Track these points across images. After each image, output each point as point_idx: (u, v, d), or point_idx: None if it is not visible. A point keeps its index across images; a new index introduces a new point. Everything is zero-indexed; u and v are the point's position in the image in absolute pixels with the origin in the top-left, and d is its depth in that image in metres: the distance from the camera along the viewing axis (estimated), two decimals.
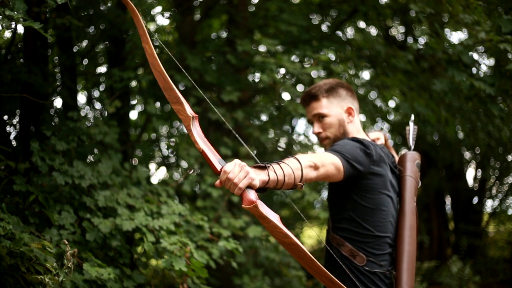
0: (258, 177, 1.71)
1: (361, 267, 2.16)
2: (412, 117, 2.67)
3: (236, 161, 1.69)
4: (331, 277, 1.74)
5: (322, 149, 2.47)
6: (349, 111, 2.37)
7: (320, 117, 2.36)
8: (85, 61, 5.06)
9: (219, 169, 1.69)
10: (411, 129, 2.59)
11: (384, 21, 6.04)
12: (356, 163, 2.12)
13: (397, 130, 7.78)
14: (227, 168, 1.66)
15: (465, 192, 8.42)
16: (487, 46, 3.77)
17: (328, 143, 2.37)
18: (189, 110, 1.78)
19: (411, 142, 2.56)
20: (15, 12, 2.19)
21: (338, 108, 2.35)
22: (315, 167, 1.93)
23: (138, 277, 3.20)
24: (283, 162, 1.85)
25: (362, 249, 2.18)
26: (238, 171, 1.65)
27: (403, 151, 8.36)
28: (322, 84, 2.38)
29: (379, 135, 2.51)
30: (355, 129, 2.38)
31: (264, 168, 1.76)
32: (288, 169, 1.81)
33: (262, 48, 5.12)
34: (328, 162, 2.01)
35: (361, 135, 2.39)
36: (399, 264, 2.20)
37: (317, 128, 2.38)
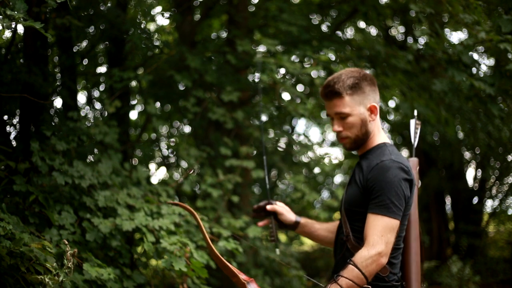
0: None
1: (383, 278, 2.13)
2: (416, 112, 2.54)
3: None
4: None
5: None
6: (371, 109, 2.23)
7: (342, 116, 2.22)
8: (85, 61, 5.06)
9: None
10: (413, 125, 2.46)
11: (384, 21, 6.04)
12: (406, 203, 2.13)
13: (397, 130, 7.78)
14: None
15: (465, 192, 8.42)
16: (487, 46, 3.77)
17: (348, 142, 2.26)
18: (242, 277, 2.06)
19: (414, 138, 2.44)
20: (16, 12, 2.19)
21: (361, 107, 2.20)
22: (386, 255, 2.07)
23: (138, 277, 3.20)
24: (341, 276, 2.03)
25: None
26: None
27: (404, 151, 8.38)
28: (345, 78, 2.21)
29: None
30: (376, 128, 2.27)
31: None
32: (346, 282, 2.02)
33: (262, 48, 5.12)
34: (393, 238, 2.09)
35: (382, 135, 2.28)
36: (408, 275, 2.18)
37: (337, 126, 2.23)
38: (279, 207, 2.45)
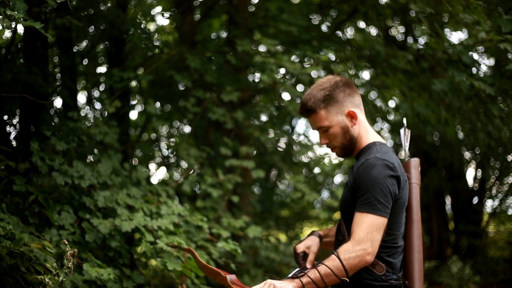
0: (289, 286, 2.01)
1: (379, 276, 2.14)
2: (405, 122, 2.56)
3: (267, 281, 2.02)
4: None
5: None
6: (350, 115, 2.26)
7: (323, 130, 2.29)
8: (85, 61, 5.07)
9: None
10: (403, 133, 2.51)
11: (384, 21, 6.04)
12: (392, 200, 2.12)
13: (397, 130, 7.78)
14: None
15: (465, 192, 8.42)
16: (487, 46, 3.77)
17: (337, 151, 2.33)
18: (222, 273, 2.15)
19: (407, 147, 2.49)
20: (16, 12, 2.19)
21: (338, 115, 2.26)
22: (372, 254, 2.06)
23: (138, 277, 3.20)
24: (322, 263, 2.05)
25: (381, 258, 2.15)
26: None
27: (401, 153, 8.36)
28: (316, 92, 2.26)
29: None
30: (363, 129, 2.30)
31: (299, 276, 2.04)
32: (325, 269, 2.04)
33: (262, 48, 5.12)
34: (379, 236, 2.08)
35: (371, 135, 2.30)
36: (411, 274, 2.18)
37: (323, 140, 2.33)
38: (306, 247, 2.46)
